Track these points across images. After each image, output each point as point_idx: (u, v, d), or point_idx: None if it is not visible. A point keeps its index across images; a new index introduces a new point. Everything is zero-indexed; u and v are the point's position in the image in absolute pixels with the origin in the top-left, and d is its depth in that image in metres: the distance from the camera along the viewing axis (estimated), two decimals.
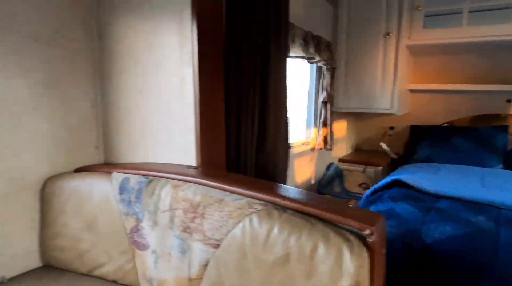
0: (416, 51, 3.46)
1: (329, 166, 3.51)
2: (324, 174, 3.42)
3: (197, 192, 1.29)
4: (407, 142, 3.85)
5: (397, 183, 2.38)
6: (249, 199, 1.21)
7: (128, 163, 1.71)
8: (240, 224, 1.16)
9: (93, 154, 1.82)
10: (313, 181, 3.26)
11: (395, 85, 3.17)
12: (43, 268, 1.61)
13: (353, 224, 1.05)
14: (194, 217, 1.26)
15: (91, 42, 1.76)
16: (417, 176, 2.47)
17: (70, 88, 1.69)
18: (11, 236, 1.51)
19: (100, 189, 1.53)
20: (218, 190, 1.28)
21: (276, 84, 1.83)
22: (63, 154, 1.68)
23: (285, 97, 1.93)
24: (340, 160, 3.73)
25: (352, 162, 3.65)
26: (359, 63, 3.27)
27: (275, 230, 1.10)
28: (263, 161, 1.78)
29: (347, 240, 1.01)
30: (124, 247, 1.46)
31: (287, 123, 1.96)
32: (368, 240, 1.01)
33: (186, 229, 1.28)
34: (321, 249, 1.01)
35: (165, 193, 1.35)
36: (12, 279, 1.51)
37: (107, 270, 1.50)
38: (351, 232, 1.04)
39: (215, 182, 1.31)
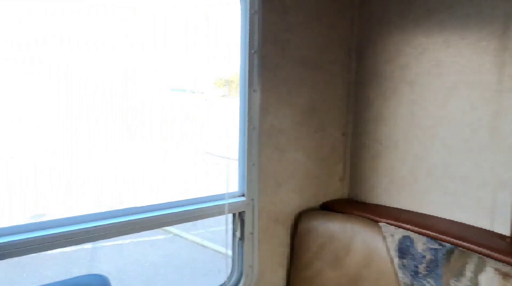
0: None
1: None
2: None
3: None
4: None
5: None
6: None
7: (390, 209, 1.40)
8: None
9: (337, 187, 1.61)
10: None
11: None
12: None
13: None
14: None
15: (349, 62, 1.54)
16: None
17: (324, 114, 1.52)
18: (265, 271, 1.44)
19: (366, 242, 1.26)
20: None
21: None
22: (311, 186, 1.53)
23: None
24: None
25: None
26: None
27: None
28: None
29: None
30: None
31: None
32: None
33: None
34: None
35: (488, 282, 0.95)
36: None
37: None
38: None
39: None
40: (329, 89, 1.52)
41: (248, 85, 1.31)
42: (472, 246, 1.03)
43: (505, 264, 0.95)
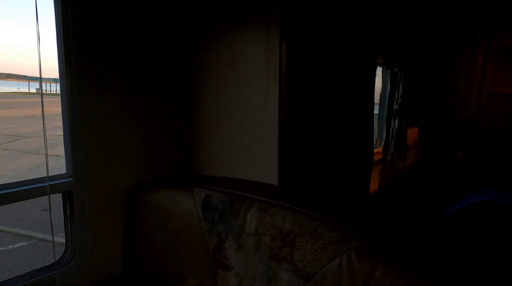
0: (508, 53, 3.08)
1: (399, 177, 3.30)
2: (394, 186, 3.22)
3: (286, 218, 1.24)
4: (488, 150, 3.47)
5: None
6: (345, 232, 1.13)
7: (208, 177, 1.71)
8: (336, 260, 1.09)
9: (172, 165, 1.85)
10: (383, 193, 3.09)
11: (481, 91, 2.86)
12: (126, 275, 1.67)
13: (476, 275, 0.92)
14: (283, 246, 1.21)
15: (178, 54, 1.76)
16: None
17: (154, 100, 1.72)
18: (99, 244, 1.58)
19: (183, 205, 1.54)
20: (309, 218, 1.22)
21: (362, 97, 1.72)
22: (145, 165, 1.72)
23: (371, 111, 1.81)
24: (411, 169, 3.49)
25: (425, 173, 3.39)
26: (439, 68, 3.00)
27: (379, 271, 1.01)
28: (345, 177, 1.69)
29: None
30: (206, 264, 1.47)
31: (371, 136, 1.84)
32: None
33: (273, 257, 1.24)
34: None
35: (251, 217, 1.32)
36: (97, 283, 1.59)
37: (189, 284, 1.51)
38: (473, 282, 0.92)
39: (305, 209, 1.24)
40: (157, 78, 1.71)
41: (67, 72, 1.41)
42: (247, 195, 1.40)
43: (263, 203, 1.33)
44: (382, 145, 3.03)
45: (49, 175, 1.42)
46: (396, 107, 2.77)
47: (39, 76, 1.34)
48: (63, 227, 1.56)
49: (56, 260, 1.52)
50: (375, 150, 2.99)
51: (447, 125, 3.68)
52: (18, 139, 10.47)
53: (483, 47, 2.81)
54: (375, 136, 3.10)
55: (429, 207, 3.08)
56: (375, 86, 2.89)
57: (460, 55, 2.91)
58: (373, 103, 1.87)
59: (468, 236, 1.89)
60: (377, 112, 3.04)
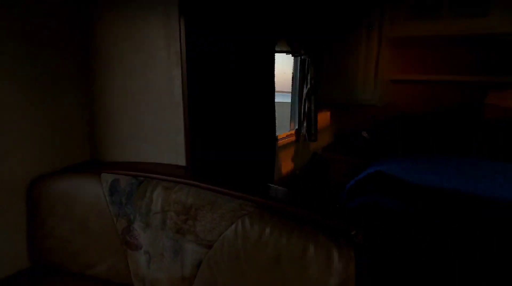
0: (398, 43, 3.52)
1: (313, 157, 3.59)
2: (308, 165, 3.50)
3: (189, 194, 1.32)
4: (389, 131, 3.94)
5: None
6: (241, 201, 1.25)
7: (117, 163, 1.71)
8: (233, 226, 1.21)
9: (80, 153, 1.80)
10: (297, 172, 3.34)
11: (376, 77, 3.24)
12: (33, 269, 1.61)
13: (341, 224, 1.11)
14: (187, 219, 1.30)
15: (77, 39, 1.70)
16: None
17: (55, 87, 1.65)
18: None
19: (90, 191, 1.52)
20: (210, 192, 1.31)
21: (263, 79, 1.85)
22: (49, 154, 1.66)
23: (273, 93, 1.96)
24: (324, 149, 3.82)
25: (336, 152, 3.74)
26: (341, 56, 3.31)
27: (267, 231, 1.15)
28: (251, 156, 1.82)
29: (335, 240, 1.07)
30: (116, 247, 1.48)
31: (273, 117, 2.00)
32: (355, 240, 1.07)
33: (178, 230, 1.32)
34: (311, 250, 1.07)
35: (157, 195, 1.37)
36: (1, 280, 1.51)
37: (99, 269, 1.52)
38: (340, 232, 1.10)
39: (207, 184, 1.33)
40: (57, 64, 1.63)
41: None
42: (154, 175, 1.45)
43: (168, 182, 1.39)
44: (296, 128, 3.26)
45: None
46: (306, 92, 3.00)
47: None
48: None
49: None
50: (289, 132, 3.22)
51: (353, 108, 4.09)
52: None
53: (377, 37, 3.18)
54: (289, 119, 3.32)
55: (338, 181, 3.42)
56: (288, 73, 3.09)
57: (358, 44, 3.25)
58: (273, 86, 2.03)
59: (361, 202, 2.18)
60: (290, 98, 3.27)
